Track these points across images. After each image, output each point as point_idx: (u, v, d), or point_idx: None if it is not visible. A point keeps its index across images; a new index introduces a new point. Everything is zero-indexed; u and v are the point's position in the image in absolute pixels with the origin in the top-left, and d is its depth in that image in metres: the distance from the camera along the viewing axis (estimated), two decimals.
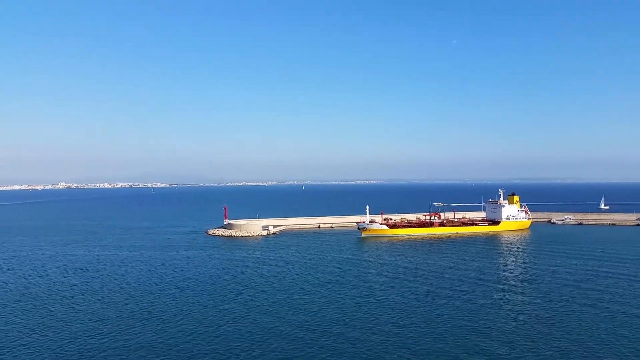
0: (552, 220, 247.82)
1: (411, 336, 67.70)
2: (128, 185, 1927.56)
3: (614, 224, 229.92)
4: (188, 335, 68.82)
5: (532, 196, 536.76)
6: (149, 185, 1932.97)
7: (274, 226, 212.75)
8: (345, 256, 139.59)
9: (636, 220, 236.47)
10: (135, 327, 73.09)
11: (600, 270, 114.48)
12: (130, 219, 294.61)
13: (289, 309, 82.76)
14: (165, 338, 68.18)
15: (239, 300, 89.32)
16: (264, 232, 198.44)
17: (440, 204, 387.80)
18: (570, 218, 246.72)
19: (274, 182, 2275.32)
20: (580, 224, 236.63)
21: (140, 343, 66.15)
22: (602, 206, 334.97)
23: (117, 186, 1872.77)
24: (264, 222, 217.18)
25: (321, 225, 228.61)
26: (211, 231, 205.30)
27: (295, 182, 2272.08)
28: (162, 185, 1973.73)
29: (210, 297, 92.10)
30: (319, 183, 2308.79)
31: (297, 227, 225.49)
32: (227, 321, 75.78)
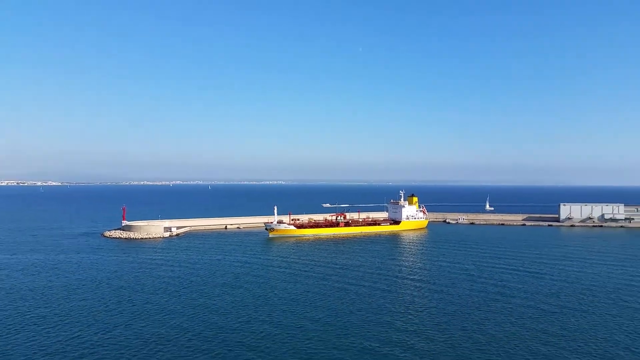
0: (447, 220, 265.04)
1: (314, 333, 67.95)
2: (15, 183, 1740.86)
3: (502, 224, 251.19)
4: (71, 340, 63.11)
5: (429, 197, 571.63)
6: (39, 183, 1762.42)
7: (178, 227, 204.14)
8: (250, 257, 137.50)
9: (522, 220, 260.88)
10: (12, 334, 65.62)
11: (491, 265, 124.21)
12: (14, 220, 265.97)
13: (184, 313, 79.17)
14: (49, 344, 62.32)
15: (130, 304, 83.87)
16: (166, 234, 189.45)
17: (328, 205, 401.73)
18: (463, 218, 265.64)
19: (178, 182, 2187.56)
20: (472, 223, 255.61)
21: (18, 350, 59.68)
22: (487, 207, 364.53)
23: (2, 184, 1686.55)
24: (167, 223, 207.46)
25: (228, 226, 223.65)
26: (107, 233, 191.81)
27: (201, 182, 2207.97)
28: (53, 183, 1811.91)
29: (99, 302, 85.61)
30: (226, 183, 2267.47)
31: (202, 228, 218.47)
32: (116, 326, 70.65)
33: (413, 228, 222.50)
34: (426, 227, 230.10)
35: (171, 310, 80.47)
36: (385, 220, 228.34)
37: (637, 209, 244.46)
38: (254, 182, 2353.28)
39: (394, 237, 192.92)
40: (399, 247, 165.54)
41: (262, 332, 69.65)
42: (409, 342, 65.47)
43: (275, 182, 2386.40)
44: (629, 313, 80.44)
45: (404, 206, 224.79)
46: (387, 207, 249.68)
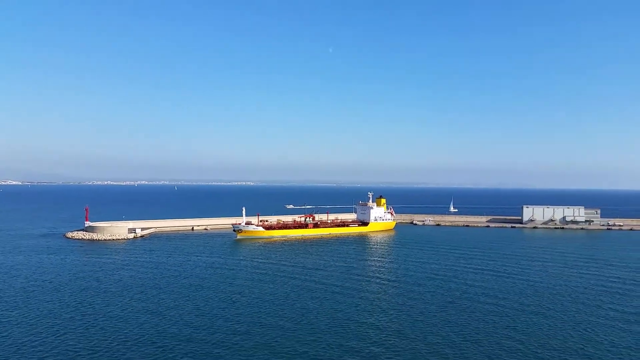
0: (414, 222, 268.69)
1: (281, 331, 67.53)
2: None
3: (467, 225, 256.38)
4: (29, 343, 60.65)
5: (397, 199, 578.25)
6: None
7: (142, 229, 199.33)
8: (217, 258, 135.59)
9: (486, 222, 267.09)
10: None
11: (457, 265, 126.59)
12: None
13: (148, 314, 77.35)
14: (4, 347, 59.88)
15: (92, 307, 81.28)
16: (131, 235, 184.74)
17: (291, 206, 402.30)
18: (429, 220, 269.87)
19: (143, 182, 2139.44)
20: (438, 225, 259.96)
21: None
22: (452, 209, 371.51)
23: None
24: (131, 224, 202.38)
25: (195, 228, 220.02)
26: (70, 234, 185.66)
27: (167, 182, 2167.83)
28: (13, 182, 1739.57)
29: (58, 304, 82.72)
30: (193, 184, 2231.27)
31: (168, 229, 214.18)
32: (76, 329, 68.34)
33: (381, 229, 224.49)
34: (394, 228, 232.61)
35: (134, 312, 78.42)
36: (353, 222, 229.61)
37: (596, 211, 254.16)
38: (222, 183, 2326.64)
39: (362, 238, 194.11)
40: (367, 248, 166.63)
41: (229, 330, 68.69)
42: (376, 340, 65.81)
43: (244, 183, 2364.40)
44: (588, 310, 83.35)
45: (372, 208, 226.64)
46: (355, 209, 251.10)
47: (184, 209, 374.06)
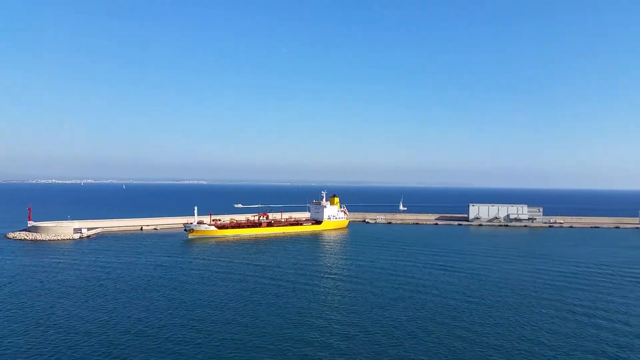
0: (366, 220, 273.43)
1: (231, 334, 67.55)
2: None
3: (417, 223, 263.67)
4: None
5: (350, 198, 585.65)
6: None
7: (89, 229, 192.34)
8: (167, 259, 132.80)
9: (435, 220, 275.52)
10: None
11: (406, 262, 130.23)
12: None
13: (92, 318, 74.92)
14: None
15: (32, 310, 78.11)
16: (77, 236, 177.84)
17: (240, 205, 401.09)
18: (381, 218, 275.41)
19: (90, 181, 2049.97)
20: (389, 223, 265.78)
21: None
22: (401, 207, 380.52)
23: None
24: (77, 224, 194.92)
25: (144, 227, 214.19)
26: (11, 234, 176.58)
27: (115, 181, 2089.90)
28: None
29: None
30: (143, 182, 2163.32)
31: (115, 229, 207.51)
32: (13, 334, 65.48)
33: (334, 228, 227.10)
34: (347, 226, 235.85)
35: (78, 316, 75.83)
36: (307, 220, 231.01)
37: (539, 209, 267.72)
38: (173, 182, 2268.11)
39: (316, 237, 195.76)
40: (320, 246, 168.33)
41: (177, 337, 67.75)
42: (326, 341, 66.97)
43: (196, 182, 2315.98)
44: (530, 302, 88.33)
45: (325, 206, 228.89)
46: (309, 208, 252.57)
47: (132, 209, 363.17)
